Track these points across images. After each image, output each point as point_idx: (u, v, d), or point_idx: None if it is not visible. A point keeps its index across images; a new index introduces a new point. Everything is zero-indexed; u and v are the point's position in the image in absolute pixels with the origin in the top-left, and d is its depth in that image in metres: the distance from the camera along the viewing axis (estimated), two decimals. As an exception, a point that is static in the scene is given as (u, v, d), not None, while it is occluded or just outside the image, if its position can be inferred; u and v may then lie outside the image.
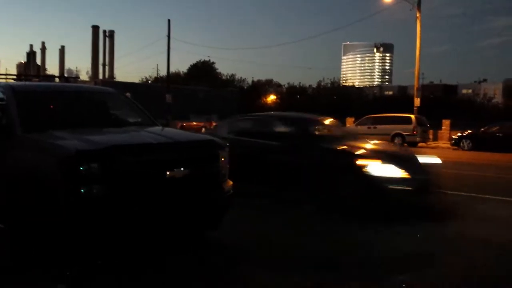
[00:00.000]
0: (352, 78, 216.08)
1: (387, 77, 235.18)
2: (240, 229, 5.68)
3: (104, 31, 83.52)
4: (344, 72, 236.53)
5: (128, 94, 10.81)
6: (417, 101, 28.74)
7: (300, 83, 68.63)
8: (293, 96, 60.48)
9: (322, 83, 64.18)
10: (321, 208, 6.76)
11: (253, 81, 70.55)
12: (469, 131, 24.06)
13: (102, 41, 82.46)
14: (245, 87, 66.14)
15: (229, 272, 4.32)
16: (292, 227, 5.99)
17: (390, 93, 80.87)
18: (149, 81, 71.67)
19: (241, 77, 70.85)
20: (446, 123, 30.10)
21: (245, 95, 57.96)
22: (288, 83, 69.85)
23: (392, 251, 5.05)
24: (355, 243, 5.34)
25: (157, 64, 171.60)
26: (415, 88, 29.71)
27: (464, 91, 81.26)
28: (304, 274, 4.17)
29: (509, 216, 7.12)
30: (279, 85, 74.15)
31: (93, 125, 5.38)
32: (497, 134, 22.75)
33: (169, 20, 42.15)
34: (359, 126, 27.38)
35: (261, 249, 5.00)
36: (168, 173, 4.35)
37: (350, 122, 32.67)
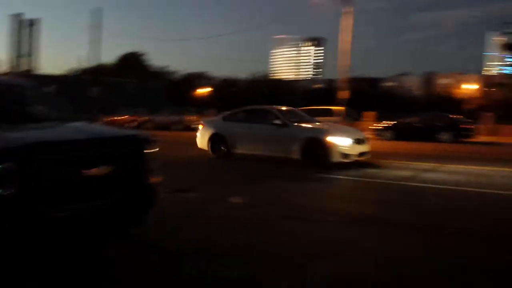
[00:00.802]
0: (284, 71, 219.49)
1: (319, 70, 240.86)
2: (169, 224, 5.70)
3: (27, 20, 78.78)
4: (276, 65, 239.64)
5: (52, 87, 10.31)
6: (344, 94, 29.78)
7: (232, 76, 68.84)
8: (226, 89, 60.57)
9: (254, 76, 64.82)
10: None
11: (185, 73, 69.81)
12: (391, 122, 25.42)
13: (25, 30, 77.79)
14: (177, 80, 65.31)
15: (146, 267, 4.30)
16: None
17: (321, 86, 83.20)
18: (76, 73, 68.76)
19: (173, 69, 69.83)
20: (370, 114, 31.49)
21: (177, 88, 57.27)
22: (221, 76, 69.80)
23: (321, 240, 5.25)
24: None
25: (84, 56, 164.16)
26: (341, 81, 30.78)
27: (387, 83, 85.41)
28: (229, 266, 4.26)
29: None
30: (212, 78, 73.94)
31: (8, 121, 5.13)
32: (417, 125, 24.27)
33: (98, 9, 40.67)
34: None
35: (187, 242, 5.06)
36: (89, 170, 4.26)
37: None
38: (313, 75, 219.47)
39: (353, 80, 37.97)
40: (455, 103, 55.32)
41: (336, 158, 11.18)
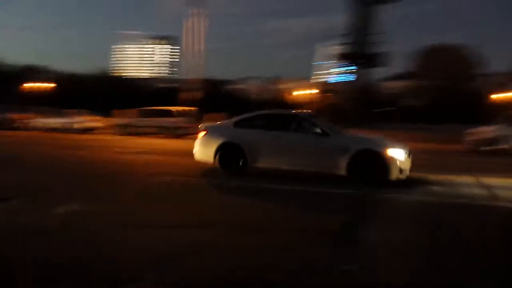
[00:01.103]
0: (131, 69, 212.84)
1: (174, 69, 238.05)
2: None
3: None
4: (122, 62, 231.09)
5: None
6: (188, 95, 29.96)
7: (73, 70, 64.77)
8: (69, 85, 56.70)
9: (100, 73, 61.88)
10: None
11: (20, 66, 63.55)
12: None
13: None
14: (9, 72, 59.15)
15: None
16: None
17: (168, 85, 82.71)
18: None
19: (3, 61, 63.09)
20: (213, 116, 32.15)
21: (7, 82, 51.83)
22: (61, 70, 65.20)
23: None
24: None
25: None
26: (188, 82, 30.91)
27: (235, 86, 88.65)
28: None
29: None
30: (53, 72, 68.57)
31: None
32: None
33: None
34: (134, 118, 27.05)
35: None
36: None
37: (133, 113, 31.17)
38: (169, 74, 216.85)
39: (201, 81, 38.65)
40: (296, 106, 59.62)
41: (395, 175, 9.41)
